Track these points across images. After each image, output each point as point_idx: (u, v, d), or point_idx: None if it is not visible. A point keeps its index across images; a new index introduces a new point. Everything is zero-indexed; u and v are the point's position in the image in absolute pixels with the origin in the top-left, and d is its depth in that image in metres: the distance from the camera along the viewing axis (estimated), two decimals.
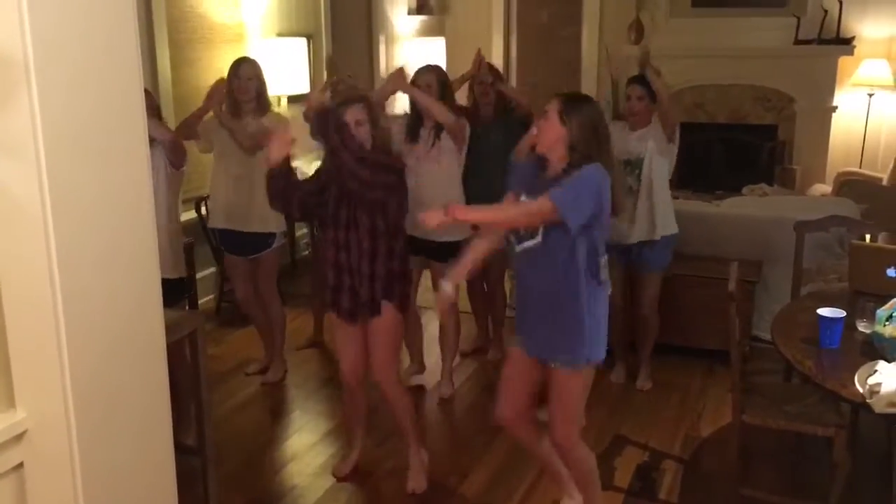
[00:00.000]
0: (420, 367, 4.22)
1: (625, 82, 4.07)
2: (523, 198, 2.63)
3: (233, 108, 3.88)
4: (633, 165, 3.85)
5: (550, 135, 2.57)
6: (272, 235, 4.02)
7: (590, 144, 2.54)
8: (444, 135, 3.68)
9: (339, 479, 3.32)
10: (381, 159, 2.96)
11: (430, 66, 3.86)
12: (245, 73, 3.88)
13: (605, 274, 2.62)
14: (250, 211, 3.91)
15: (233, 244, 4.04)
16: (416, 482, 3.24)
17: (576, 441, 2.76)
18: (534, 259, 2.60)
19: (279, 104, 5.76)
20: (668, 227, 3.93)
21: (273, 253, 4.08)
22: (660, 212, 3.88)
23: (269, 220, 3.92)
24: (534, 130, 2.69)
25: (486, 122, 4.06)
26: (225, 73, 3.96)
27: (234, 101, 3.88)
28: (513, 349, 2.82)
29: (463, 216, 2.65)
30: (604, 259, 2.60)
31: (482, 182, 3.73)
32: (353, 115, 2.92)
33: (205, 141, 3.95)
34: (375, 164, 2.91)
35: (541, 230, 2.55)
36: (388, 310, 3.04)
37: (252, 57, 4.16)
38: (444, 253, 3.60)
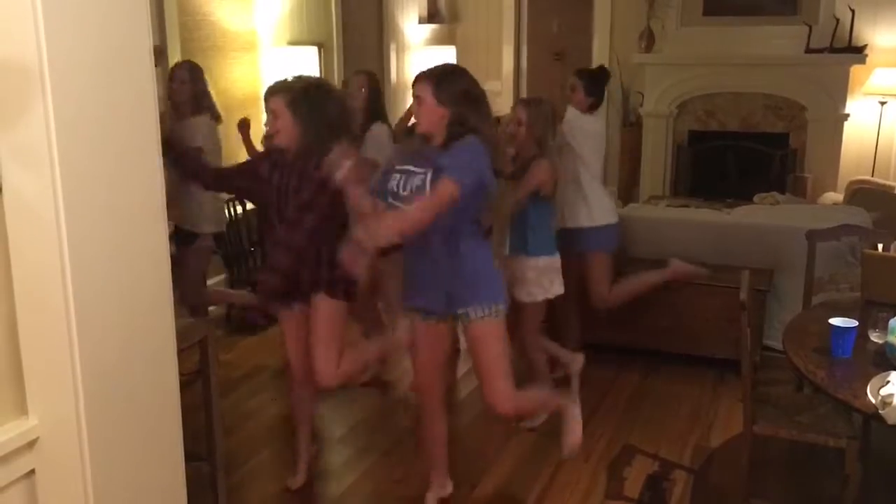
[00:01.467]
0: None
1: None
2: (411, 167, 2.72)
3: (174, 111, 4.06)
4: None
5: (430, 118, 2.66)
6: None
7: (468, 115, 2.64)
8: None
9: (294, 490, 3.30)
10: None
11: (362, 70, 4.18)
12: (178, 77, 4.05)
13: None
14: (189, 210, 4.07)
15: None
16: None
17: (516, 398, 2.88)
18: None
19: None
20: (576, 219, 3.92)
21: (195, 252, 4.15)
22: (568, 202, 3.91)
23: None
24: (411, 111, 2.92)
25: None
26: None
27: (173, 103, 4.06)
28: (415, 323, 2.90)
29: (382, 241, 2.55)
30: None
31: None
32: (275, 103, 2.91)
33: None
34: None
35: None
36: (327, 298, 3.00)
37: (192, 62, 4.25)
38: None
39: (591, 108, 3.96)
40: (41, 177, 1.55)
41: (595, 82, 3.97)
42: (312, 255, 2.95)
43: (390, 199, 2.73)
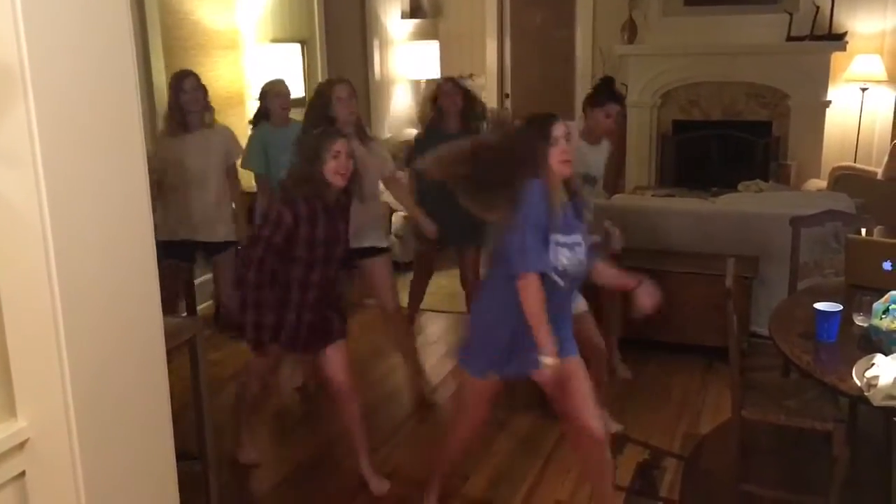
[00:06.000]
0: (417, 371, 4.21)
1: (618, 81, 4.10)
2: (571, 238, 2.53)
3: (180, 124, 3.94)
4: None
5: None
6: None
7: None
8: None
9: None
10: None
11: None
12: (191, 85, 3.94)
13: None
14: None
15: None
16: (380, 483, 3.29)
17: None
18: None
19: None
20: None
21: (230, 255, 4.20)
22: None
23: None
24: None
25: (451, 131, 4.10)
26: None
27: (182, 114, 3.93)
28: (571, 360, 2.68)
29: None
30: None
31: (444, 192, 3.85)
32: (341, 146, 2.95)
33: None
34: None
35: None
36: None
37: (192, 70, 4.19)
38: (369, 254, 3.74)
39: None
40: (24, 178, 1.54)
41: None
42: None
43: (556, 278, 2.51)
